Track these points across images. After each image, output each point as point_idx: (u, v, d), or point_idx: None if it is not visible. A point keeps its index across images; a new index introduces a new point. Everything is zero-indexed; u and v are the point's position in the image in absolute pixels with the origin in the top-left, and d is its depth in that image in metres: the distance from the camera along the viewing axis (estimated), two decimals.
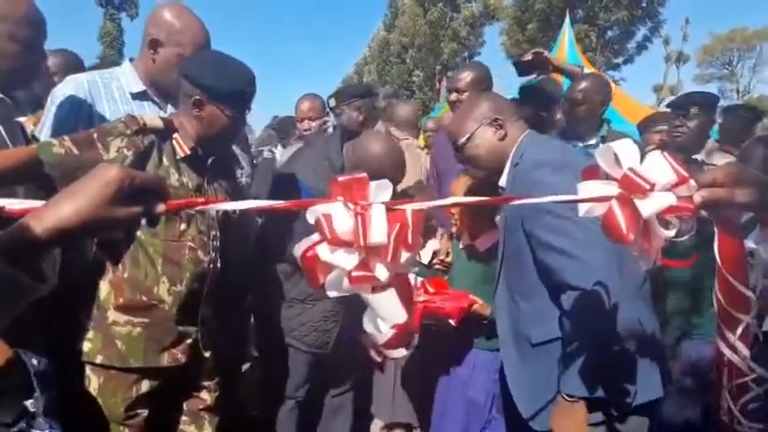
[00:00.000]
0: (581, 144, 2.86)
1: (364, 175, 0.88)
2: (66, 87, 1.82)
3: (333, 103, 3.01)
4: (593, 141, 2.85)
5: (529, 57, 2.89)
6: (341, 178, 0.87)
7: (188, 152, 1.61)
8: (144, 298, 1.55)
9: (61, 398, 1.31)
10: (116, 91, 1.88)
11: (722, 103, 3.43)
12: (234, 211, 1.74)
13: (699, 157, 2.84)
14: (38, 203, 0.71)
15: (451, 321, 1.87)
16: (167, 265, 1.57)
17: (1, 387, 1.18)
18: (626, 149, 0.94)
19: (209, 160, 1.68)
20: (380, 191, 0.88)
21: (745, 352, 1.07)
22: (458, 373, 2.05)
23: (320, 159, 2.09)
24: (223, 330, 1.74)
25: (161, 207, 0.75)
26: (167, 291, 1.56)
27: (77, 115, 1.78)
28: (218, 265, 1.68)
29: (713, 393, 1.17)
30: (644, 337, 1.35)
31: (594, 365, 1.34)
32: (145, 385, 1.56)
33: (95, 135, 1.48)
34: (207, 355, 1.67)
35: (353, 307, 2.08)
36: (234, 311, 1.79)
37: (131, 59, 1.99)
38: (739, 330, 1.02)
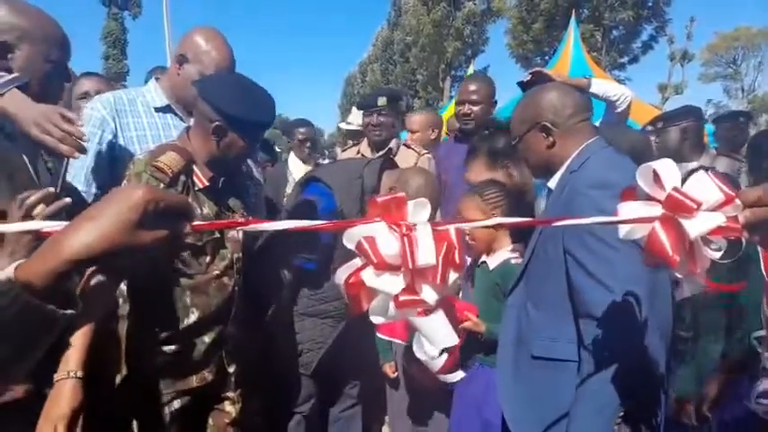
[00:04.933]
0: None
1: (402, 194, 0.86)
2: (95, 104, 1.99)
3: (383, 102, 2.96)
4: None
5: (528, 77, 2.86)
6: (379, 198, 0.85)
7: (207, 183, 1.62)
8: (173, 330, 1.58)
9: None
10: (140, 106, 2.03)
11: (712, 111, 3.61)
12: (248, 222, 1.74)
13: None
14: None
15: None
16: (196, 297, 1.59)
17: (20, 418, 1.16)
18: (667, 169, 0.92)
19: (221, 182, 1.67)
20: (419, 210, 0.85)
21: None
22: (471, 391, 2.01)
23: (354, 177, 2.13)
24: (248, 342, 1.74)
25: (186, 228, 0.70)
26: (197, 320, 1.59)
27: (104, 130, 1.93)
28: (240, 285, 1.69)
29: None
30: (658, 384, 1.32)
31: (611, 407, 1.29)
32: (176, 403, 1.56)
33: None
34: (231, 370, 1.69)
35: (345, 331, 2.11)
36: (257, 322, 1.79)
37: (157, 78, 2.15)
38: None
